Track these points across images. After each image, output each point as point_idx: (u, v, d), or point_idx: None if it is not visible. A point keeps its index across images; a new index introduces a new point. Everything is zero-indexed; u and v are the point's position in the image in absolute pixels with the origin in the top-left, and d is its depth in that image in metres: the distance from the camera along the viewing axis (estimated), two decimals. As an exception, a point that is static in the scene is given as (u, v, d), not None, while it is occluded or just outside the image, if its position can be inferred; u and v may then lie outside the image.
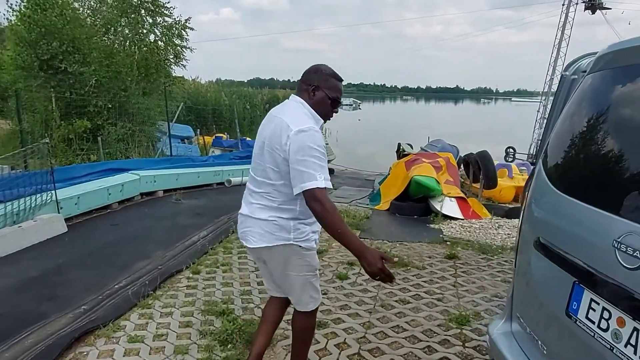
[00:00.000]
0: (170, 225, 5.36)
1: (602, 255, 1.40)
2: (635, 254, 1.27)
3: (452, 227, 5.61)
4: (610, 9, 26.81)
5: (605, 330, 1.39)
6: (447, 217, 6.05)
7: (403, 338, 2.86)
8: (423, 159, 7.55)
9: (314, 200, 1.79)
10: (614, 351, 1.33)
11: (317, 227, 2.08)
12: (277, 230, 1.96)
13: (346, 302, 3.33)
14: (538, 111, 21.96)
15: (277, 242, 1.97)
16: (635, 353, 1.27)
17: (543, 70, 22.63)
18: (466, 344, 2.80)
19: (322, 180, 1.80)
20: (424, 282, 3.75)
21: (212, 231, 5.08)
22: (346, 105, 61.25)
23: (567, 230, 1.62)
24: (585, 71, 2.11)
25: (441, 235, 5.18)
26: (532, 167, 9.58)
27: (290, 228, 1.97)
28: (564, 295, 1.59)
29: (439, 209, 6.25)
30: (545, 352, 1.70)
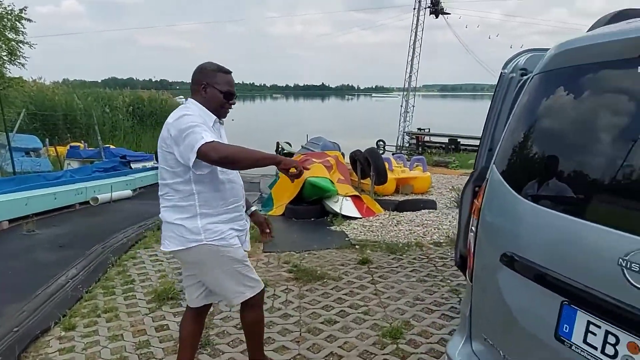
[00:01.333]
0: (25, 266, 4.25)
1: (603, 274, 1.24)
2: (650, 272, 1.12)
3: (354, 228, 5.52)
4: (450, 14, 30.41)
5: (614, 357, 1.24)
6: (346, 218, 5.96)
7: (341, 368, 2.56)
8: (313, 159, 7.41)
9: (207, 156, 1.82)
10: (630, 382, 1.19)
11: (241, 224, 2.13)
12: (186, 233, 1.98)
13: (268, 334, 2.91)
14: (401, 106, 23.92)
15: (190, 244, 1.98)
16: (658, 384, 1.13)
17: (398, 69, 24.79)
18: (406, 361, 2.62)
19: (207, 137, 1.83)
20: (345, 295, 3.51)
21: (84, 268, 4.12)
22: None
23: (548, 245, 1.46)
24: (524, 69, 2.06)
25: (347, 239, 5.04)
26: (405, 158, 10.17)
27: (199, 230, 1.98)
28: (550, 316, 1.43)
29: (337, 210, 6.15)
30: (528, 378, 1.54)
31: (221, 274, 2.05)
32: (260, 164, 1.93)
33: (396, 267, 4.12)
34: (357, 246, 4.68)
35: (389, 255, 4.44)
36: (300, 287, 3.66)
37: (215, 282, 2.09)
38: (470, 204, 2.23)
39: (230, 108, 2.12)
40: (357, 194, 6.75)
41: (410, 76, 23.68)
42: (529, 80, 1.72)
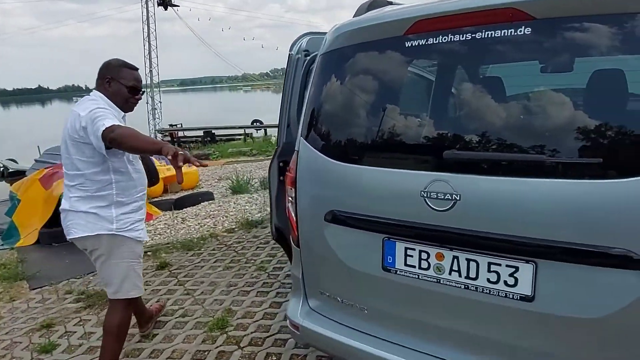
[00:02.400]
0: None
1: (411, 207, 1.58)
2: (442, 197, 1.50)
3: (137, 236, 5.04)
4: (178, 6, 30.10)
5: (427, 268, 1.61)
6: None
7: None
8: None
9: (108, 138, 1.91)
10: (442, 282, 1.57)
11: (143, 212, 2.27)
12: (98, 220, 2.07)
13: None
14: (147, 103, 22.55)
15: (100, 232, 2.07)
16: (460, 275, 1.54)
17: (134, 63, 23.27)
18: (241, 344, 2.65)
19: (108, 122, 1.93)
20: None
21: None
22: None
23: (366, 196, 1.74)
24: (306, 50, 2.29)
25: (133, 248, 4.57)
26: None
27: (113, 219, 2.09)
28: (375, 254, 1.73)
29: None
30: (366, 311, 1.82)
31: (116, 264, 2.15)
32: (146, 148, 1.93)
33: (198, 262, 4.03)
34: (149, 253, 4.32)
35: (187, 253, 4.28)
36: (97, 313, 3.16)
37: (109, 271, 2.17)
38: (277, 179, 2.40)
39: (136, 103, 2.24)
40: (129, 199, 6.16)
41: (151, 71, 22.50)
42: (316, 60, 1.95)
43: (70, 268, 4.17)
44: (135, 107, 2.27)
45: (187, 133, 22.85)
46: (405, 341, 1.72)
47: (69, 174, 2.09)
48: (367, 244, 1.76)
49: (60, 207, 2.16)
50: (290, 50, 2.20)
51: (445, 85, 1.84)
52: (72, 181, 2.08)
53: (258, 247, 4.29)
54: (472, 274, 1.51)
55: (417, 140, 1.67)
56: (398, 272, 1.68)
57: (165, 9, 29.14)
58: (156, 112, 23.00)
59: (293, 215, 2.07)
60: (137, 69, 2.23)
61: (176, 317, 3.03)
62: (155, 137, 22.80)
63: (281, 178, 2.38)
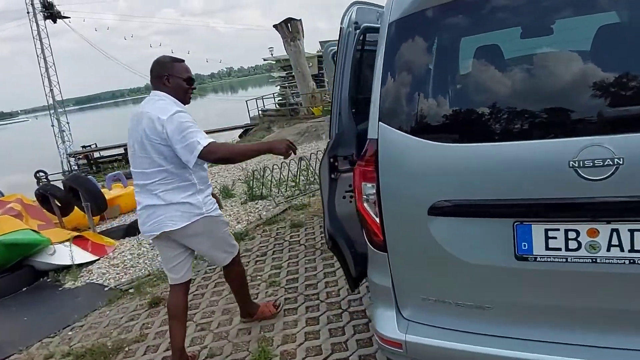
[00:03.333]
0: None
1: (556, 181, 1.36)
2: (601, 163, 1.30)
3: (104, 273, 4.34)
4: (69, 17, 27.56)
5: (577, 249, 1.40)
6: (80, 266, 4.62)
7: None
8: (-12, 211, 5.31)
9: (208, 158, 2.17)
10: (598, 261, 1.37)
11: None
12: (191, 209, 2.25)
13: None
14: (53, 126, 20.23)
15: (194, 219, 2.26)
16: (622, 250, 1.35)
17: (19, 87, 20.95)
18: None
19: (203, 140, 2.13)
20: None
21: None
22: None
23: (488, 178, 1.48)
24: (356, 22, 1.97)
25: (108, 289, 3.90)
26: (94, 180, 8.68)
27: (201, 204, 2.29)
28: (503, 243, 1.49)
29: (60, 263, 4.67)
30: (492, 309, 1.58)
31: (215, 239, 2.42)
32: (255, 155, 2.37)
33: (194, 290, 3.50)
34: (131, 290, 3.71)
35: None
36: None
37: (210, 248, 2.44)
38: (328, 178, 2.06)
39: (193, 93, 2.39)
40: (78, 234, 5.33)
41: (51, 90, 20.17)
42: (387, 29, 1.65)
43: (34, 327, 3.45)
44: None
45: (104, 152, 20.92)
46: (552, 335, 1.50)
47: (147, 172, 2.20)
48: (491, 232, 1.52)
49: (142, 205, 2.26)
50: (342, 23, 1.88)
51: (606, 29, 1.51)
52: (154, 178, 2.20)
53: (257, 261, 3.88)
54: (639, 246, 1.33)
55: (564, 100, 1.42)
56: (538, 259, 1.45)
57: (55, 21, 26.47)
58: (65, 135, 20.72)
59: (373, 215, 1.76)
60: (183, 61, 2.35)
61: (204, 360, 2.57)
62: (69, 161, 20.64)
63: (332, 176, 2.05)
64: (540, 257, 1.45)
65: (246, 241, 4.40)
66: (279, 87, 24.36)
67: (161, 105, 2.18)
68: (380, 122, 1.66)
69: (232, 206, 5.91)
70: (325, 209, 2.12)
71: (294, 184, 6.18)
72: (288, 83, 22.55)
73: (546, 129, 1.40)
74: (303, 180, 6.22)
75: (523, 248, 1.47)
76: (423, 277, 1.72)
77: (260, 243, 4.29)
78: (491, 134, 1.49)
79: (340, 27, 1.84)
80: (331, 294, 3.06)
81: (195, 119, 2.22)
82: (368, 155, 1.72)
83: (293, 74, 21.17)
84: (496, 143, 1.46)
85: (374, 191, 1.73)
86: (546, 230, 1.44)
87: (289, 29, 17.59)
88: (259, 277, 3.54)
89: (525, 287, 1.51)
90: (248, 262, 3.88)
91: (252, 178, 6.32)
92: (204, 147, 2.10)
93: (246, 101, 21.74)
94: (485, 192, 1.49)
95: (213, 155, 2.15)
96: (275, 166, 6.32)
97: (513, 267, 1.49)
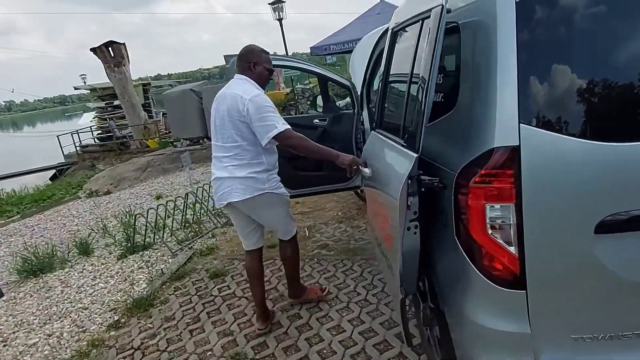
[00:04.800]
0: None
1: None
2: None
3: None
4: None
5: None
6: None
7: None
8: None
9: (282, 142, 2.42)
10: None
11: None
12: (255, 183, 2.47)
13: None
14: None
15: (257, 193, 2.48)
16: None
17: None
18: None
19: (281, 125, 2.37)
20: None
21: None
22: None
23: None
24: (448, 10, 1.53)
25: None
26: None
27: (265, 180, 2.50)
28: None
29: None
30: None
31: (278, 214, 2.64)
32: (318, 157, 2.65)
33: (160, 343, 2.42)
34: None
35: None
36: None
37: (273, 221, 2.68)
38: (406, 207, 1.59)
39: (268, 82, 2.66)
40: None
41: None
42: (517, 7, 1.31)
43: None
44: None
45: None
46: None
47: (225, 146, 2.46)
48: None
49: (214, 177, 2.53)
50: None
51: None
52: (229, 152, 2.46)
53: (193, 331, 2.95)
54: None
55: None
56: None
57: None
58: None
59: (503, 244, 1.37)
60: (269, 53, 2.62)
61: None
62: None
63: (409, 203, 1.55)
64: None
65: (159, 307, 3.37)
66: (96, 119, 21.17)
67: (246, 87, 2.45)
68: (521, 124, 1.30)
69: (104, 265, 4.58)
70: (402, 250, 1.61)
71: (180, 226, 5.19)
72: (108, 115, 19.84)
73: None
74: (194, 219, 5.28)
75: None
76: (579, 311, 1.39)
77: (180, 306, 3.33)
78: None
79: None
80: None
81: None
82: (498, 168, 1.33)
83: (116, 103, 18.79)
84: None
85: (507, 213, 1.34)
86: None
87: (111, 53, 15.52)
88: (209, 353, 2.67)
89: None
90: (180, 334, 2.93)
91: (132, 219, 5.09)
92: (281, 131, 2.34)
93: (57, 136, 18.24)
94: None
95: (287, 140, 2.39)
96: (151, 209, 5.21)
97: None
